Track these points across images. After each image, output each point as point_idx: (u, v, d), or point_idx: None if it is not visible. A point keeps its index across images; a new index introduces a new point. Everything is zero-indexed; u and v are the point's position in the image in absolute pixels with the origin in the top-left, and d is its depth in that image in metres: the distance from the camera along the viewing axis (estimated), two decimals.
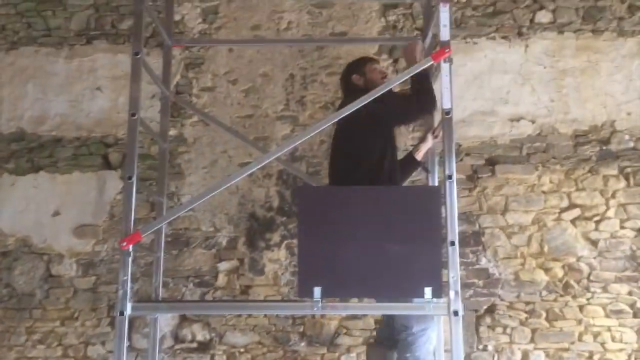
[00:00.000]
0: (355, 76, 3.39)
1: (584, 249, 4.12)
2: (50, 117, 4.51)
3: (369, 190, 2.97)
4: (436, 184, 3.59)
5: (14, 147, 4.47)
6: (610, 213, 4.14)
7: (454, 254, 2.78)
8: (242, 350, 4.16)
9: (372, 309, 2.98)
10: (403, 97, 3.34)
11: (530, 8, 4.44)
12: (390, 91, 3.10)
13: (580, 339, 4.03)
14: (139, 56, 3.00)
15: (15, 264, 4.32)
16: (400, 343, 3.04)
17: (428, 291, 2.73)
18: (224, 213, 4.33)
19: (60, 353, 4.22)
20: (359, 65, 3.45)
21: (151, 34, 4.44)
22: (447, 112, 2.93)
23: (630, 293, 4.05)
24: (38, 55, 4.59)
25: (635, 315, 4.03)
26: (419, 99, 3.17)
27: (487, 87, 4.38)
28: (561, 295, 4.08)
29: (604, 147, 4.23)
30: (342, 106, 3.22)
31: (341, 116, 2.97)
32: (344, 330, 4.14)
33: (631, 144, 4.22)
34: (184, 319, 4.21)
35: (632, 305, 4.04)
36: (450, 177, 2.87)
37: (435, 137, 3.49)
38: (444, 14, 2.97)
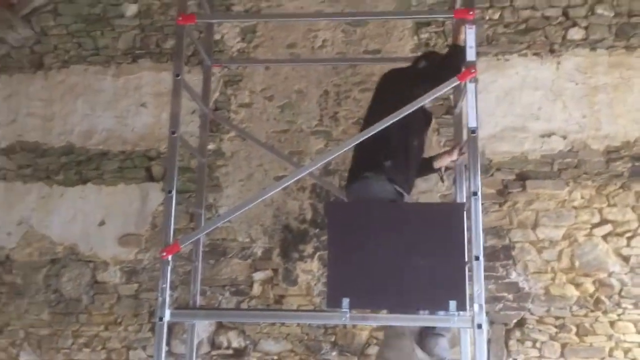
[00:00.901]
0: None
1: (615, 264, 4.12)
2: (98, 131, 4.77)
3: (395, 206, 3.08)
4: (464, 199, 3.67)
5: (64, 160, 4.75)
6: None
7: (478, 268, 2.85)
8: (275, 357, 4.30)
9: (399, 321, 3.06)
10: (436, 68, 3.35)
11: (563, 25, 4.48)
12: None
13: (610, 355, 4.04)
14: (179, 77, 3.18)
15: (64, 270, 4.57)
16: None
17: (452, 304, 2.82)
18: (259, 224, 4.49)
19: (104, 356, 4.45)
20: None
21: (192, 53, 4.65)
22: (473, 131, 3.00)
23: None
24: (87, 74, 4.87)
25: None
26: (445, 70, 3.18)
27: (518, 103, 4.43)
28: (592, 311, 4.09)
29: (637, 163, 4.24)
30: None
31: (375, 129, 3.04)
32: (375, 341, 4.23)
33: None
34: (220, 326, 4.37)
35: None
36: (475, 193, 2.95)
37: (462, 153, 3.56)
38: (470, 36, 3.06)
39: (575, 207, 4.24)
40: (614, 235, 4.16)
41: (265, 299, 4.39)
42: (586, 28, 4.46)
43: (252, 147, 4.54)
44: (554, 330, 4.11)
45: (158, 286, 3.01)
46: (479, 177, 2.98)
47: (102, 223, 4.62)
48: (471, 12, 3.07)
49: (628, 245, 4.13)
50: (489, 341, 4.01)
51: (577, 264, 4.16)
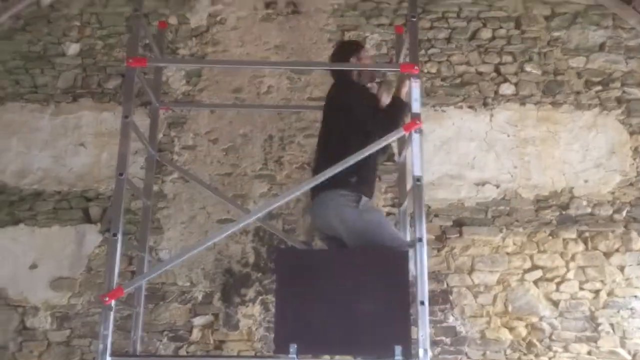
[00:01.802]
0: (354, 59, 3.56)
1: (545, 309, 4.32)
2: (33, 171, 4.62)
3: (340, 252, 3.16)
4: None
5: None
6: (570, 275, 4.36)
7: (423, 313, 2.94)
8: None
9: None
10: (376, 111, 3.46)
11: (495, 81, 4.77)
12: (370, 96, 3.44)
13: None
14: (128, 119, 3.17)
15: None
16: None
17: (398, 350, 2.87)
18: (200, 268, 4.43)
19: None
20: (357, 49, 3.60)
21: (137, 94, 4.61)
22: (418, 179, 3.14)
23: (589, 353, 4.22)
24: (24, 111, 4.74)
25: None
26: (387, 119, 3.36)
27: (455, 152, 4.64)
28: (524, 354, 4.24)
29: (564, 212, 4.49)
30: (333, 89, 3.53)
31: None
32: None
33: (589, 210, 4.49)
34: None
35: None
36: (420, 239, 3.06)
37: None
38: (415, 89, 3.22)
39: (508, 253, 4.43)
40: (544, 281, 4.36)
41: (205, 344, 4.30)
42: (516, 84, 4.76)
43: (195, 189, 4.51)
44: None
45: (95, 333, 2.92)
46: (423, 224, 3.10)
47: (33, 266, 4.43)
48: (416, 67, 3.24)
49: (557, 290, 4.34)
50: None
51: (510, 308, 4.33)
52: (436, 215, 4.51)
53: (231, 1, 4.95)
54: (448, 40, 4.85)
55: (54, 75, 4.81)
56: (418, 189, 3.12)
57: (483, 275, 4.39)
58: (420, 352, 2.87)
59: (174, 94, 4.76)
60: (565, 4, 4.88)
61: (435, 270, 4.39)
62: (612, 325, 4.25)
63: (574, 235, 4.44)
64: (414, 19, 3.35)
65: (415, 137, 3.17)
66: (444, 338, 4.29)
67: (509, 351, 4.25)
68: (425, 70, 4.78)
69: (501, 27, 4.86)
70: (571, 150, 4.62)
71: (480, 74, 4.78)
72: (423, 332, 2.91)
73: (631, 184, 4.54)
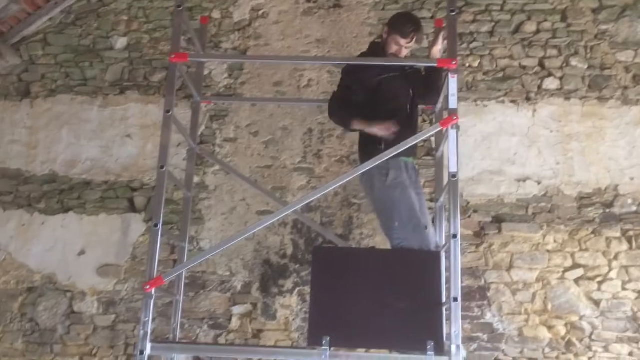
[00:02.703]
0: (385, 31, 3.58)
1: (586, 308, 4.24)
2: (82, 161, 4.79)
3: (376, 252, 3.20)
4: (444, 240, 3.77)
5: (46, 188, 4.75)
6: (613, 274, 4.27)
7: (456, 310, 2.95)
8: None
9: (378, 359, 3.14)
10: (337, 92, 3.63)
11: (539, 75, 4.68)
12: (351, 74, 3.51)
13: None
14: (169, 113, 3.26)
15: (40, 299, 4.53)
16: None
17: (430, 345, 2.89)
18: (239, 258, 4.53)
19: None
20: (401, 27, 3.50)
21: (180, 87, 4.73)
22: (454, 175, 3.13)
23: (631, 354, 4.14)
24: (73, 103, 4.92)
25: None
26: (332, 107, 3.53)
27: (496, 147, 4.58)
28: (563, 353, 4.18)
29: (607, 210, 4.39)
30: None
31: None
32: None
33: (634, 208, 4.38)
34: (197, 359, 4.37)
35: None
36: (455, 236, 3.06)
37: (445, 38, 3.55)
38: (453, 84, 3.21)
39: (548, 251, 4.36)
40: (585, 279, 4.28)
41: (243, 333, 4.41)
42: (561, 78, 4.66)
43: (236, 181, 4.60)
44: None
45: (138, 319, 3.03)
46: (458, 220, 3.10)
47: (81, 252, 4.61)
48: (454, 62, 3.22)
49: (599, 289, 4.26)
50: None
51: (549, 306, 4.27)
52: (475, 211, 4.48)
53: None
54: (491, 33, 4.78)
55: (103, 68, 4.97)
56: (454, 185, 3.11)
57: (522, 273, 4.34)
58: (453, 348, 2.88)
59: (217, 87, 4.85)
60: None
61: (473, 266, 4.37)
62: None
63: (617, 234, 4.34)
64: (454, 14, 3.33)
65: (452, 133, 3.15)
66: (480, 334, 4.27)
67: (547, 350, 4.20)
68: (467, 64, 4.73)
69: (546, 20, 4.75)
70: (617, 147, 4.50)
71: (524, 68, 4.70)
72: (456, 328, 2.91)
73: None
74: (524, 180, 4.51)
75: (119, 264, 4.58)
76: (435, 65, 3.40)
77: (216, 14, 5.00)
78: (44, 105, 4.93)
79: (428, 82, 3.71)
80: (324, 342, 2.91)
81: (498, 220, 4.45)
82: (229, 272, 4.52)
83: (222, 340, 4.39)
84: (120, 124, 4.85)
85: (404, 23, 3.50)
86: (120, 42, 5.01)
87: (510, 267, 4.36)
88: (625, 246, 4.31)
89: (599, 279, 4.28)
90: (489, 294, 4.33)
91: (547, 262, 4.34)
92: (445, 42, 3.52)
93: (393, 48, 3.49)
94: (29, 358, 4.44)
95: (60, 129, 4.87)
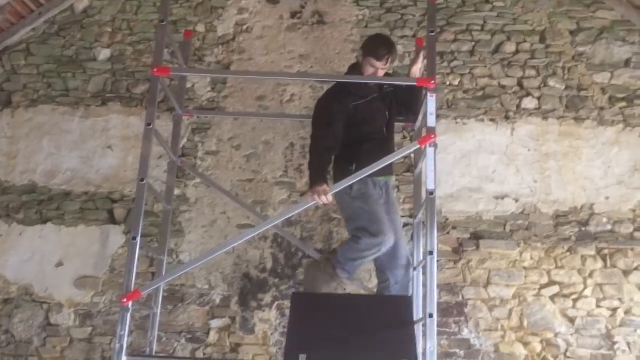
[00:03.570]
0: (359, 53, 3.60)
1: (561, 325, 4.29)
2: (62, 171, 4.78)
3: (352, 297, 3.59)
4: (420, 256, 3.79)
5: (25, 198, 4.72)
6: (587, 292, 4.33)
7: (431, 325, 2.98)
8: None
9: None
10: (318, 129, 3.52)
11: (517, 94, 4.76)
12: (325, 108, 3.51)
13: None
14: (150, 126, 3.28)
15: (16, 311, 4.49)
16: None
17: None
18: (219, 271, 4.53)
19: None
20: (374, 50, 3.50)
21: (162, 99, 4.72)
22: (431, 192, 3.17)
23: None
24: (55, 113, 4.90)
25: None
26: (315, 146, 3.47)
27: (475, 165, 4.64)
28: None
29: (583, 228, 4.46)
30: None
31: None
32: None
33: (608, 227, 4.45)
34: None
35: None
36: (431, 252, 3.10)
37: (424, 57, 3.56)
38: (431, 103, 3.25)
39: (525, 268, 4.42)
40: (561, 296, 4.34)
41: (221, 346, 4.39)
42: (539, 98, 4.74)
43: (216, 194, 4.61)
44: None
45: (113, 331, 3.02)
46: (435, 237, 3.13)
47: (59, 264, 4.58)
48: (432, 81, 3.27)
49: (574, 306, 4.31)
50: None
51: (525, 322, 4.31)
52: (454, 227, 4.53)
53: (258, 10, 5.05)
54: (471, 52, 4.86)
55: (85, 79, 4.96)
56: (430, 202, 3.15)
57: (499, 289, 4.39)
58: None
59: (199, 100, 4.87)
60: (590, 18, 4.85)
61: (451, 282, 4.41)
62: (628, 343, 4.21)
63: (592, 252, 4.41)
64: (433, 33, 3.38)
65: (430, 150, 3.20)
66: (457, 350, 4.30)
67: None
68: (448, 82, 4.80)
69: (525, 41, 4.85)
70: (593, 167, 4.59)
71: (503, 87, 4.78)
72: (431, 344, 2.94)
73: None
74: (502, 198, 4.57)
75: (97, 275, 4.55)
76: (415, 84, 3.44)
77: (200, 28, 5.02)
78: (25, 114, 4.91)
79: (408, 99, 3.75)
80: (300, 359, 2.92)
81: (476, 237, 4.50)
82: (207, 285, 4.51)
83: (199, 353, 4.37)
84: (101, 135, 4.85)
85: (378, 46, 3.53)
86: (104, 53, 5.02)
87: (487, 284, 4.40)
88: (599, 264, 4.38)
89: (574, 296, 4.33)
90: (466, 310, 4.36)
91: (524, 278, 4.39)
92: (425, 60, 3.58)
93: (369, 70, 3.52)
94: None
95: (40, 139, 4.85)
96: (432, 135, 3.20)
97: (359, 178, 3.29)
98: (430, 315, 2.98)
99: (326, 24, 5.00)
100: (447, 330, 4.30)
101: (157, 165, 4.65)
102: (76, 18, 5.11)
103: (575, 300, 4.32)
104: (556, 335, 4.27)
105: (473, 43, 4.88)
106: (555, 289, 4.35)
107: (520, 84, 4.77)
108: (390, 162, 3.36)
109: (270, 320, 4.42)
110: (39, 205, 4.71)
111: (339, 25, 4.99)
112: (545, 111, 4.71)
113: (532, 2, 4.91)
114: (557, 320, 4.30)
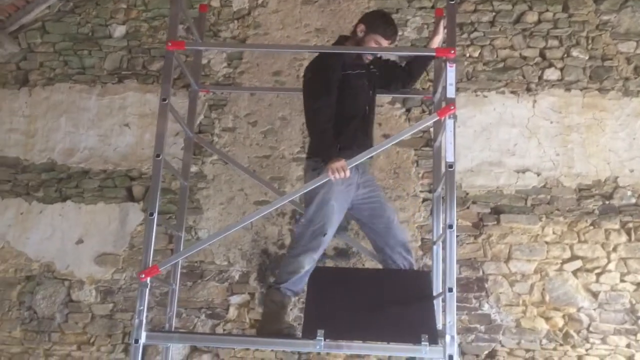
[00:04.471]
0: (361, 29, 3.36)
1: (584, 300, 4.23)
2: (80, 149, 4.79)
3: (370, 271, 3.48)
4: (440, 230, 3.74)
5: (44, 177, 4.75)
6: (611, 266, 4.26)
7: (451, 300, 2.93)
8: None
9: (371, 350, 3.14)
10: (319, 98, 3.25)
11: (540, 65, 4.64)
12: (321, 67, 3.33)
13: None
14: (166, 102, 3.23)
15: (38, 288, 4.54)
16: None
17: (424, 338, 2.88)
18: (237, 248, 4.53)
19: None
20: (383, 29, 3.33)
21: (178, 76, 4.70)
22: (450, 165, 3.09)
23: (628, 345, 4.13)
24: (72, 92, 4.90)
25: None
26: (315, 112, 3.21)
27: (495, 138, 4.56)
28: (561, 345, 4.18)
29: (607, 202, 4.37)
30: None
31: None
32: None
33: (633, 200, 4.36)
34: (194, 349, 4.37)
35: (630, 358, 4.12)
36: (450, 226, 3.03)
37: (445, 27, 3.42)
38: (451, 73, 3.16)
39: (547, 242, 4.35)
40: (584, 271, 4.27)
41: (240, 322, 4.41)
42: (562, 69, 4.63)
43: (234, 171, 4.59)
44: None
45: (134, 307, 3.02)
46: (454, 211, 3.06)
47: (79, 241, 4.61)
48: (452, 51, 3.17)
49: (597, 281, 4.25)
50: None
51: (547, 298, 4.26)
52: (474, 202, 4.46)
53: None
54: (492, 23, 4.74)
55: (101, 56, 4.95)
56: (450, 176, 3.07)
57: (520, 264, 4.33)
58: (447, 338, 2.86)
59: (215, 76, 4.83)
60: None
61: (471, 257, 4.36)
62: None
63: (616, 226, 4.32)
64: (453, 2, 3.28)
65: (449, 122, 3.11)
66: (478, 325, 4.26)
67: (544, 341, 4.20)
68: (467, 54, 4.70)
69: (548, 10, 4.72)
70: (617, 139, 4.48)
71: (524, 58, 4.67)
72: (450, 318, 2.89)
73: None
74: (523, 172, 4.49)
75: (117, 252, 4.58)
76: (434, 54, 3.36)
77: (215, 3, 4.97)
78: (43, 93, 4.92)
79: (409, 71, 3.60)
80: (318, 334, 2.90)
81: (497, 212, 4.43)
82: (226, 262, 4.52)
83: (219, 330, 4.39)
84: (118, 112, 4.84)
85: (387, 24, 3.38)
86: (119, 31, 4.99)
87: (508, 259, 4.34)
88: (624, 238, 4.30)
89: (597, 271, 4.26)
90: (486, 285, 4.32)
91: (546, 253, 4.33)
92: (445, 31, 3.48)
93: (372, 47, 3.38)
94: (27, 346, 4.46)
95: (58, 118, 4.86)
96: (452, 107, 3.11)
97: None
98: (450, 290, 2.93)
99: None
100: (468, 305, 4.27)
101: (174, 143, 4.64)
102: None
103: (598, 275, 4.25)
104: (579, 310, 4.21)
105: (494, 14, 4.76)
106: (578, 263, 4.28)
107: (542, 55, 4.65)
108: (371, 153, 3.15)
109: None
110: (59, 183, 4.73)
111: None
112: (568, 82, 4.59)
113: None
114: (580, 295, 4.23)
